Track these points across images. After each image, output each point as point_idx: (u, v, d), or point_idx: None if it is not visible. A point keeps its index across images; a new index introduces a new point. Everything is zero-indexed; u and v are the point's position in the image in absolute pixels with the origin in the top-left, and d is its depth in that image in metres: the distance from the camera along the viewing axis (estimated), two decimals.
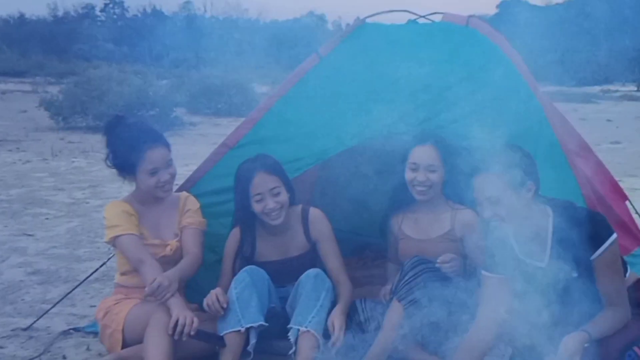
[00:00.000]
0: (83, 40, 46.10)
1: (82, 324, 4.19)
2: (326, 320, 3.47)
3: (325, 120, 4.10)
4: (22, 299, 4.69)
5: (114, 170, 3.71)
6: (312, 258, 3.81)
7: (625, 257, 4.43)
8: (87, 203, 7.96)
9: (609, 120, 22.00)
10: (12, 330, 4.13)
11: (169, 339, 3.25)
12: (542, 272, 3.06)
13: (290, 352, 3.38)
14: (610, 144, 13.90)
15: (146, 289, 3.36)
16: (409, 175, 3.72)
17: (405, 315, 3.42)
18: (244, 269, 3.60)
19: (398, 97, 3.98)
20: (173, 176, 3.71)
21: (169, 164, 3.68)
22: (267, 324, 3.46)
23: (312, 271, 3.58)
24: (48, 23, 59.89)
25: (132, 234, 3.59)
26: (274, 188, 3.63)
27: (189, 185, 4.11)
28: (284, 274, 3.73)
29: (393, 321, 3.45)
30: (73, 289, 4.47)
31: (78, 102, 15.98)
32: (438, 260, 3.50)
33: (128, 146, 3.59)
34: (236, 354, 3.37)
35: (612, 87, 41.43)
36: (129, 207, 3.70)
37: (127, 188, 3.88)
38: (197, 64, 32.90)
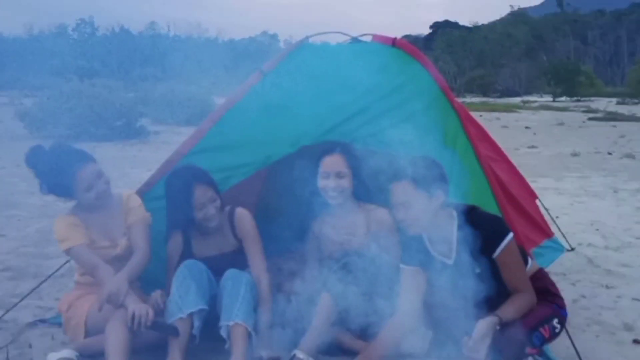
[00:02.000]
0: (56, 56, 45.29)
1: (48, 316, 4.13)
2: (253, 312, 3.47)
3: (268, 130, 4.10)
4: None
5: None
6: (244, 255, 3.82)
7: (535, 249, 4.57)
8: (57, 205, 7.78)
9: (527, 127, 22.47)
10: None
11: (127, 330, 3.23)
12: (449, 268, 3.19)
13: (226, 346, 3.37)
14: (528, 148, 14.21)
15: (99, 300, 3.33)
16: (321, 183, 3.78)
17: (335, 286, 3.48)
18: (182, 264, 3.60)
19: (329, 109, 4.00)
20: (108, 183, 3.67)
21: (100, 175, 3.63)
22: (207, 308, 3.45)
23: (229, 272, 3.59)
24: (24, 41, 58.72)
25: (80, 244, 3.55)
26: (211, 196, 3.66)
27: (146, 189, 4.08)
28: (222, 267, 3.69)
29: (322, 310, 3.47)
30: (40, 284, 4.40)
31: (50, 113, 15.71)
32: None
33: (57, 173, 3.49)
34: (182, 339, 3.36)
35: (531, 98, 42.25)
36: (75, 218, 3.64)
37: None
38: (162, 78, 32.60)
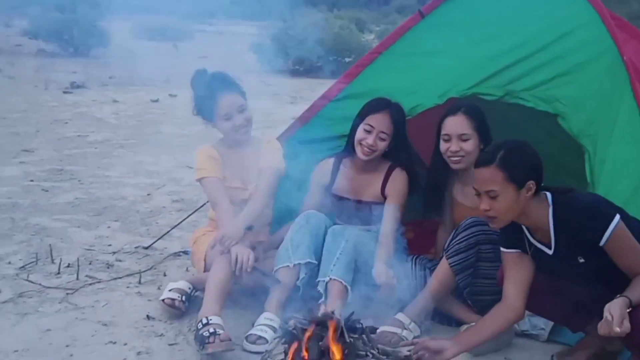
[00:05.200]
0: None
1: None
2: (351, 270, 3.48)
3: (418, 78, 4.02)
4: (157, 222, 5.10)
5: None
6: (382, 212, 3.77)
7: None
8: None
9: None
10: (135, 247, 4.54)
11: (229, 271, 3.43)
12: (550, 258, 2.91)
13: (320, 301, 3.39)
14: None
15: (211, 240, 3.57)
16: (442, 146, 3.58)
17: (454, 273, 3.39)
18: (302, 213, 3.68)
19: (484, 59, 3.81)
20: (248, 120, 3.82)
21: (242, 109, 3.80)
22: (316, 262, 3.51)
23: (333, 227, 3.60)
24: None
25: (213, 177, 3.76)
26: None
27: (289, 134, 4.24)
28: (353, 214, 3.75)
29: (439, 277, 3.42)
30: (186, 217, 4.78)
31: (282, 46, 16.57)
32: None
33: (205, 96, 3.76)
34: (286, 288, 3.46)
35: None
36: (215, 152, 3.85)
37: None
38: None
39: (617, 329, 2.52)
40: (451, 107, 3.65)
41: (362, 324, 2.70)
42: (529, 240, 2.97)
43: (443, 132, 3.60)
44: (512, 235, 2.98)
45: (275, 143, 3.97)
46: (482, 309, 3.36)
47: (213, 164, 3.82)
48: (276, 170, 3.84)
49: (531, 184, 2.79)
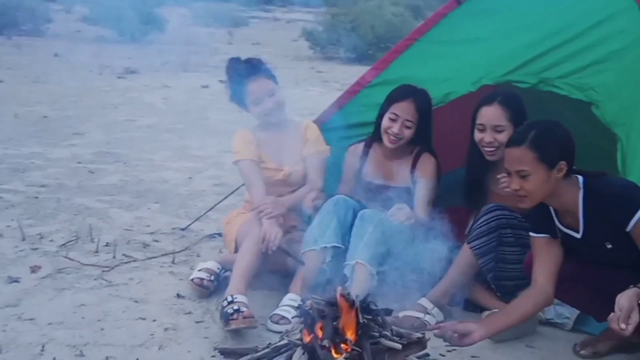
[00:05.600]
0: None
1: None
2: (379, 254, 3.52)
3: (452, 65, 4.03)
4: (196, 205, 5.23)
5: None
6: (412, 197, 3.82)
7: None
8: None
9: None
10: (173, 229, 4.69)
11: (258, 250, 3.53)
12: (578, 243, 2.89)
13: (346, 284, 3.42)
14: None
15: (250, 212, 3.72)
16: (477, 136, 3.56)
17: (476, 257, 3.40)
18: (331, 198, 3.74)
19: (519, 47, 3.80)
20: (278, 104, 3.91)
21: (272, 93, 3.89)
22: (342, 247, 3.57)
23: (362, 211, 3.63)
24: None
25: (248, 159, 3.88)
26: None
27: (324, 119, 4.31)
28: (382, 198, 3.80)
29: (461, 262, 3.43)
30: (223, 199, 4.89)
31: (334, 33, 16.61)
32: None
33: (237, 82, 3.87)
34: (309, 271, 3.53)
35: None
36: (251, 135, 3.96)
37: None
38: None
39: (623, 326, 2.50)
40: (487, 96, 3.63)
41: (377, 306, 2.75)
42: (557, 226, 2.96)
43: (478, 121, 3.60)
44: (542, 220, 2.98)
45: (315, 127, 4.06)
46: (506, 295, 3.41)
47: (249, 146, 3.93)
48: (322, 154, 3.97)
49: (562, 164, 2.79)
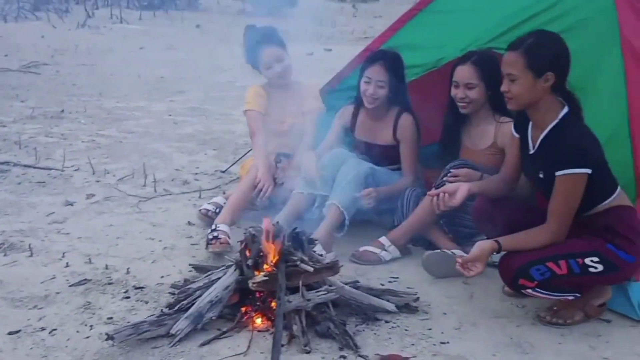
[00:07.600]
0: None
1: None
2: (354, 201, 3.81)
3: (447, 33, 4.21)
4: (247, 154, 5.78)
5: None
6: (395, 153, 4.12)
7: None
8: None
9: None
10: (215, 171, 5.29)
11: (248, 193, 4.07)
12: (527, 157, 3.09)
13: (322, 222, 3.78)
14: None
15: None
16: (452, 91, 3.78)
17: None
18: (332, 151, 4.09)
19: (502, 18, 3.96)
20: (286, 68, 4.33)
21: (280, 59, 4.30)
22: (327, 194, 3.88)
23: (349, 160, 3.95)
24: None
25: (256, 110, 4.37)
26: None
27: (337, 82, 4.62)
28: (373, 155, 4.12)
29: (424, 207, 3.69)
30: (244, 155, 5.23)
31: None
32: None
33: (251, 48, 4.33)
34: (294, 209, 3.89)
35: None
36: (262, 90, 4.45)
37: None
38: None
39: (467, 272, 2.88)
40: (463, 56, 3.86)
41: (304, 237, 3.10)
42: (528, 133, 3.11)
43: (453, 78, 3.84)
44: (522, 123, 3.14)
45: (314, 88, 4.46)
46: (461, 239, 3.73)
47: (258, 99, 4.41)
48: (318, 112, 4.38)
49: (549, 75, 2.87)
